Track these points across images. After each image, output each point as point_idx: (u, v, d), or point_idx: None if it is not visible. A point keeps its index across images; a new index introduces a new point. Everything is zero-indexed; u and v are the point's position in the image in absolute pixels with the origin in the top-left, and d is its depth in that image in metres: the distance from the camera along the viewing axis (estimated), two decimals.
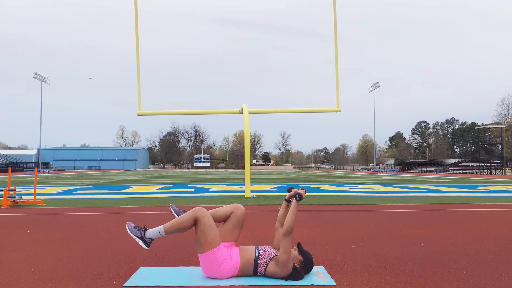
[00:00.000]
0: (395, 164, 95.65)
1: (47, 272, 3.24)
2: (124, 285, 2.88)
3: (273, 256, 3.07)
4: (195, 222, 3.05)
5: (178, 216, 3.25)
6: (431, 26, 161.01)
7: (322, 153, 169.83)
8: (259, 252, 3.08)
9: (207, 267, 3.01)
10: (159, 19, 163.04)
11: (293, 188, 3.34)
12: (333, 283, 2.93)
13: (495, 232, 5.22)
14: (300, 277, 3.02)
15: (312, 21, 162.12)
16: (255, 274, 3.06)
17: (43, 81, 64.27)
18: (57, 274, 3.18)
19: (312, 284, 2.89)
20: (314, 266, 3.40)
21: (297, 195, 3.19)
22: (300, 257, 3.07)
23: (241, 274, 3.07)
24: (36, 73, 62.68)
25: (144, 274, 3.15)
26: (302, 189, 3.28)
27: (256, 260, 3.04)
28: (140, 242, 3.08)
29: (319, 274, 3.16)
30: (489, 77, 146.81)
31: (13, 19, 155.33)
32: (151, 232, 3.11)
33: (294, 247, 3.15)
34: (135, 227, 3.15)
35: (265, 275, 3.05)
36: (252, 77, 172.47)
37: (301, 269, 3.04)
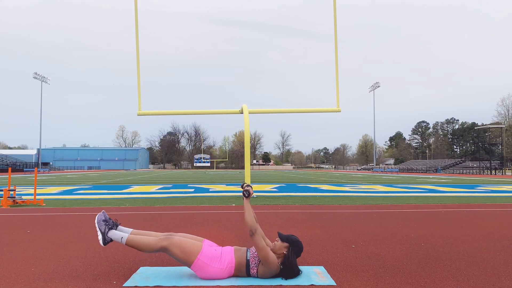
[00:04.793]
0: (395, 164, 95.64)
1: (47, 272, 3.24)
2: (124, 285, 2.88)
3: None
4: (164, 250, 3.04)
5: (107, 222, 3.19)
6: (431, 26, 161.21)
7: (322, 153, 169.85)
8: (250, 254, 3.08)
9: (201, 273, 3.00)
10: (158, 19, 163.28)
11: (243, 185, 3.24)
12: (333, 283, 2.93)
13: (495, 232, 5.22)
14: (292, 265, 3.01)
15: (312, 22, 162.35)
16: (248, 275, 3.06)
17: (43, 81, 64.26)
18: (57, 274, 3.18)
19: (312, 284, 2.89)
20: (314, 266, 3.40)
21: (244, 192, 3.17)
22: (285, 244, 3.07)
23: (236, 275, 3.07)
24: (36, 73, 62.68)
25: (144, 274, 3.15)
26: (247, 186, 3.21)
27: (248, 262, 3.04)
28: (100, 237, 3.12)
29: (319, 274, 3.16)
30: (489, 77, 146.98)
31: (13, 19, 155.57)
32: (115, 234, 3.13)
33: (277, 238, 3.15)
34: (104, 220, 3.17)
35: (257, 277, 3.05)
36: (252, 77, 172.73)
37: (290, 254, 3.03)
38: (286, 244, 3.07)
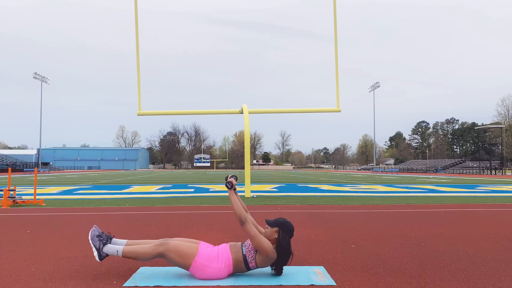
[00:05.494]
0: (395, 164, 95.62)
1: (47, 272, 3.24)
2: (124, 285, 2.88)
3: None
4: (161, 256, 3.06)
5: (101, 237, 3.18)
6: (431, 26, 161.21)
7: (322, 153, 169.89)
8: (245, 249, 3.09)
9: (200, 274, 3.01)
10: (158, 19, 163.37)
11: (227, 176, 3.29)
12: (333, 283, 2.93)
13: (495, 232, 5.22)
14: (287, 246, 3.02)
15: (312, 22, 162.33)
16: (248, 269, 3.08)
17: (43, 81, 64.24)
18: (57, 274, 3.18)
19: (312, 284, 2.89)
20: (314, 266, 3.40)
21: (227, 184, 3.21)
22: (275, 228, 3.09)
23: (236, 271, 3.08)
24: (36, 73, 62.64)
25: (144, 274, 3.15)
26: (231, 177, 3.26)
27: (245, 257, 3.05)
28: (95, 253, 3.12)
29: (319, 274, 3.16)
30: (489, 77, 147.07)
31: (12, 19, 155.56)
32: (109, 248, 3.14)
33: (266, 226, 3.16)
34: (97, 235, 3.17)
35: (257, 268, 3.07)
36: (252, 77, 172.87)
37: (282, 236, 3.04)
38: (275, 228, 3.09)
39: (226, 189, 3.21)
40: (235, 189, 3.25)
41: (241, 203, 3.20)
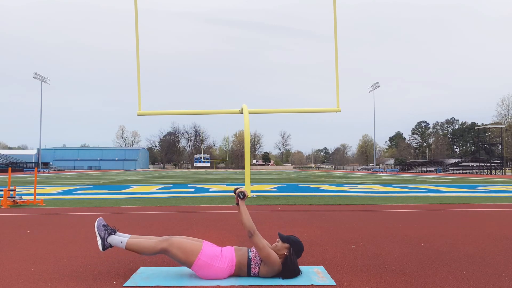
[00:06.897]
0: (395, 164, 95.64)
1: (47, 272, 3.24)
2: (124, 285, 2.88)
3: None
4: (164, 252, 3.05)
5: (106, 228, 3.19)
6: (431, 26, 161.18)
7: (322, 153, 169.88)
8: (251, 253, 3.08)
9: (202, 273, 3.01)
10: (158, 19, 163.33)
11: (237, 188, 3.28)
12: (333, 283, 2.93)
13: (495, 232, 5.22)
14: (293, 266, 3.02)
15: (312, 22, 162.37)
16: (249, 275, 3.06)
17: (43, 81, 64.25)
18: (57, 274, 3.18)
19: (312, 284, 2.89)
20: (314, 266, 3.40)
21: (240, 194, 3.19)
22: (286, 244, 3.08)
23: (237, 273, 3.08)
24: (36, 73, 62.66)
25: (144, 274, 3.15)
26: (242, 188, 3.29)
27: (249, 261, 3.04)
28: (99, 242, 3.13)
29: (319, 274, 3.16)
30: (489, 77, 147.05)
31: (12, 19, 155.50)
32: (114, 239, 3.15)
33: (277, 239, 3.16)
34: (103, 225, 3.19)
35: (258, 276, 3.05)
36: (252, 77, 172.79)
37: (291, 254, 3.04)
38: (286, 245, 3.08)
39: (226, 189, 3.18)
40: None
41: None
